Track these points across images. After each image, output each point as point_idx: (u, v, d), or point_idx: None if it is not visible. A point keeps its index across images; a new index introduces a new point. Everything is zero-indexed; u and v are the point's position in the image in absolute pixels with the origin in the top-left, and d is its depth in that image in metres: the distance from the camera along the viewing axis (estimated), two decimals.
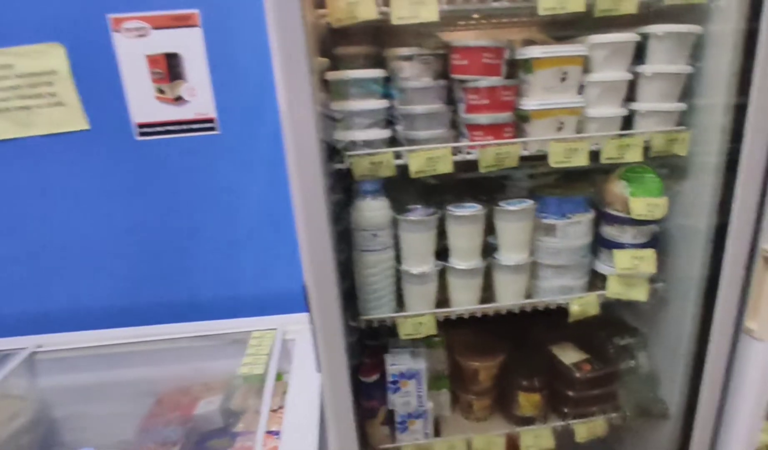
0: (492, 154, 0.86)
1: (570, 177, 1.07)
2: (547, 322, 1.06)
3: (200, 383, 1.45)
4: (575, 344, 1.13)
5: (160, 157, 1.41)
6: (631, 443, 1.17)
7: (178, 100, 1.38)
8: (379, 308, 0.94)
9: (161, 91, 1.37)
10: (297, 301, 1.56)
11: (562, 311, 1.01)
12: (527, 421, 1.08)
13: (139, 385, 1.44)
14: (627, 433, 1.14)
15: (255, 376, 1.33)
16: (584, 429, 1.08)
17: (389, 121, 0.90)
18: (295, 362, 1.41)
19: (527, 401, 1.06)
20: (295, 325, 1.49)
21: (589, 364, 1.06)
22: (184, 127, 1.40)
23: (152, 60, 1.35)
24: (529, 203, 0.93)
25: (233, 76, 1.37)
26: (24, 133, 1.35)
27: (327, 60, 0.88)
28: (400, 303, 0.97)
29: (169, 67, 1.36)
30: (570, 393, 1.06)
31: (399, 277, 0.95)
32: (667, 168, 0.98)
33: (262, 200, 1.47)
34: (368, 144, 0.85)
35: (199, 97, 1.38)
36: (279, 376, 1.45)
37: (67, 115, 1.37)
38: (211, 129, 1.40)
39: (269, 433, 1.25)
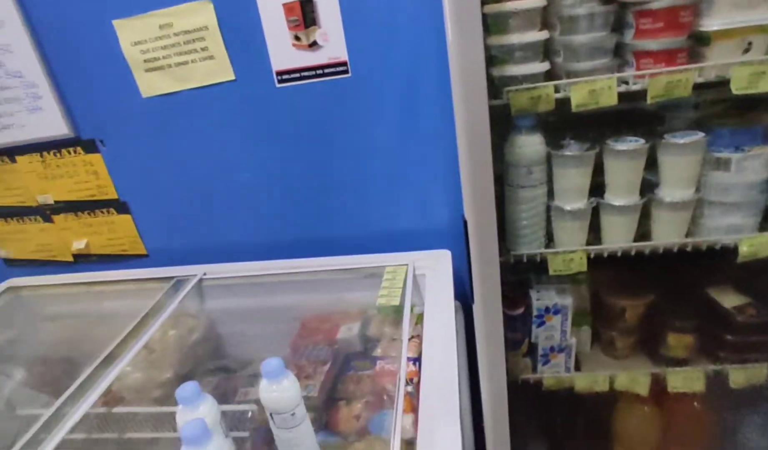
0: (662, 83, 0.80)
1: (741, 106, 0.96)
2: (702, 264, 1.00)
3: (339, 312, 1.59)
4: (735, 287, 1.06)
5: (297, 102, 1.49)
6: None
7: (313, 45, 1.44)
8: (528, 244, 0.95)
9: (297, 39, 1.44)
10: (425, 239, 1.63)
11: (722, 252, 0.94)
12: (675, 362, 1.05)
13: (286, 311, 1.61)
14: None
15: (392, 306, 1.43)
16: (741, 375, 1.03)
17: (547, 53, 0.87)
18: (427, 296, 1.48)
19: (678, 342, 1.03)
20: (424, 261, 1.56)
21: (753, 309, 1.00)
22: (319, 71, 1.47)
23: (288, 8, 1.41)
24: (699, 135, 0.86)
25: (363, 20, 1.39)
26: (182, 87, 1.50)
27: None
28: (548, 239, 0.98)
29: (304, 14, 1.41)
30: (729, 337, 1.01)
31: (549, 213, 0.95)
32: None
33: (393, 140, 1.51)
34: (526, 78, 0.84)
35: (331, 42, 1.43)
36: (411, 308, 1.55)
37: (217, 68, 1.50)
38: (344, 72, 1.45)
39: (408, 359, 1.35)
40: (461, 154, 0.79)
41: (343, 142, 1.52)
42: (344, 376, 1.35)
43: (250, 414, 1.22)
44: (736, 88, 0.80)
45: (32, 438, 1.00)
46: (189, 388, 0.83)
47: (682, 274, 1.07)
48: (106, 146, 1.52)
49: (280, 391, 0.82)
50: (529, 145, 0.87)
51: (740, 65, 0.79)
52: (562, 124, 0.93)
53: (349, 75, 1.44)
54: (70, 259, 1.71)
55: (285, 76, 1.49)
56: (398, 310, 1.44)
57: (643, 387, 1.05)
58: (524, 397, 1.12)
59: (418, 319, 1.51)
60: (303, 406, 0.87)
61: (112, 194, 1.59)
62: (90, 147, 1.52)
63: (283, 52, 1.45)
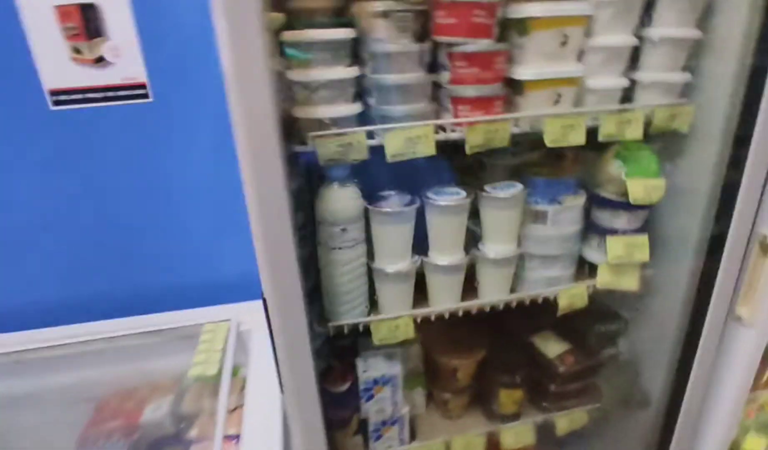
0: (481, 132, 0.74)
1: (554, 154, 0.97)
2: (526, 311, 0.97)
3: (146, 385, 1.30)
4: (556, 333, 1.06)
5: (83, 131, 1.19)
6: (611, 432, 1.13)
7: (100, 61, 1.16)
8: (349, 312, 0.82)
9: (78, 51, 1.14)
10: (250, 288, 1.42)
11: (544, 304, 0.92)
12: (507, 418, 1.01)
13: (76, 390, 1.27)
14: (606, 421, 1.10)
15: (209, 377, 1.20)
16: (565, 422, 1.02)
17: (359, 94, 0.75)
18: (252, 355, 1.28)
19: (508, 398, 0.98)
20: (250, 314, 1.36)
21: (572, 356, 0.99)
22: (110, 93, 1.19)
23: (63, 12, 1.12)
24: (518, 188, 0.82)
25: (166, 33, 1.16)
26: None
27: (282, 15, 0.71)
28: (371, 302, 0.85)
29: (86, 21, 1.13)
30: (552, 387, 0.99)
31: (371, 274, 0.83)
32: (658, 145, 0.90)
33: (207, 176, 1.29)
34: (335, 122, 0.70)
35: (125, 58, 1.17)
36: (235, 371, 1.33)
37: None
38: (143, 96, 1.20)
39: (228, 437, 1.13)
40: (251, 213, 0.62)
41: (147, 180, 1.25)
42: None
43: None
44: (550, 141, 0.76)
45: None
46: None
47: (509, 326, 1.04)
48: None
49: None
50: (343, 199, 0.74)
51: (552, 118, 0.75)
52: (383, 175, 0.82)
53: (151, 100, 1.19)
54: None
55: (63, 97, 1.17)
56: (218, 379, 1.21)
57: (479, 449, 0.99)
58: None
59: (245, 384, 1.30)
60: None
61: None
62: None
63: (59, 67, 1.14)
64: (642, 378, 1.04)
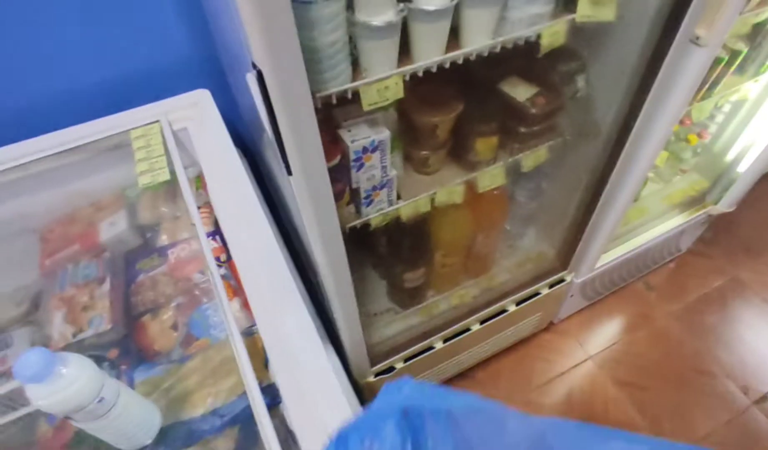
0: None
1: None
2: (491, 59, 0.93)
3: (86, 207, 1.18)
4: (522, 78, 1.05)
5: None
6: (563, 162, 1.25)
7: None
8: (335, 78, 0.73)
9: None
10: (174, 80, 1.24)
11: (523, 48, 0.88)
12: (482, 164, 1.06)
13: (4, 225, 1.14)
14: (562, 154, 1.20)
15: (162, 183, 1.10)
16: (531, 159, 1.10)
17: None
18: (199, 152, 1.18)
19: (485, 146, 1.02)
20: (180, 110, 1.20)
21: (542, 97, 1.02)
22: None
23: None
24: None
25: None
26: None
27: None
28: (353, 66, 0.76)
29: None
30: (522, 128, 1.03)
31: (351, 33, 0.72)
32: None
33: None
34: None
35: None
36: None
37: None
38: None
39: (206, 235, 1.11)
40: None
41: None
42: (134, 285, 1.06)
43: None
44: None
45: None
46: None
47: (475, 77, 1.01)
48: None
49: (62, 389, 0.54)
50: None
51: None
52: None
53: None
54: None
55: None
56: (174, 181, 1.13)
57: (459, 196, 1.06)
58: (352, 241, 1.04)
59: (197, 184, 1.23)
60: (105, 376, 0.61)
61: None
62: None
63: None
64: (596, 111, 1.11)
